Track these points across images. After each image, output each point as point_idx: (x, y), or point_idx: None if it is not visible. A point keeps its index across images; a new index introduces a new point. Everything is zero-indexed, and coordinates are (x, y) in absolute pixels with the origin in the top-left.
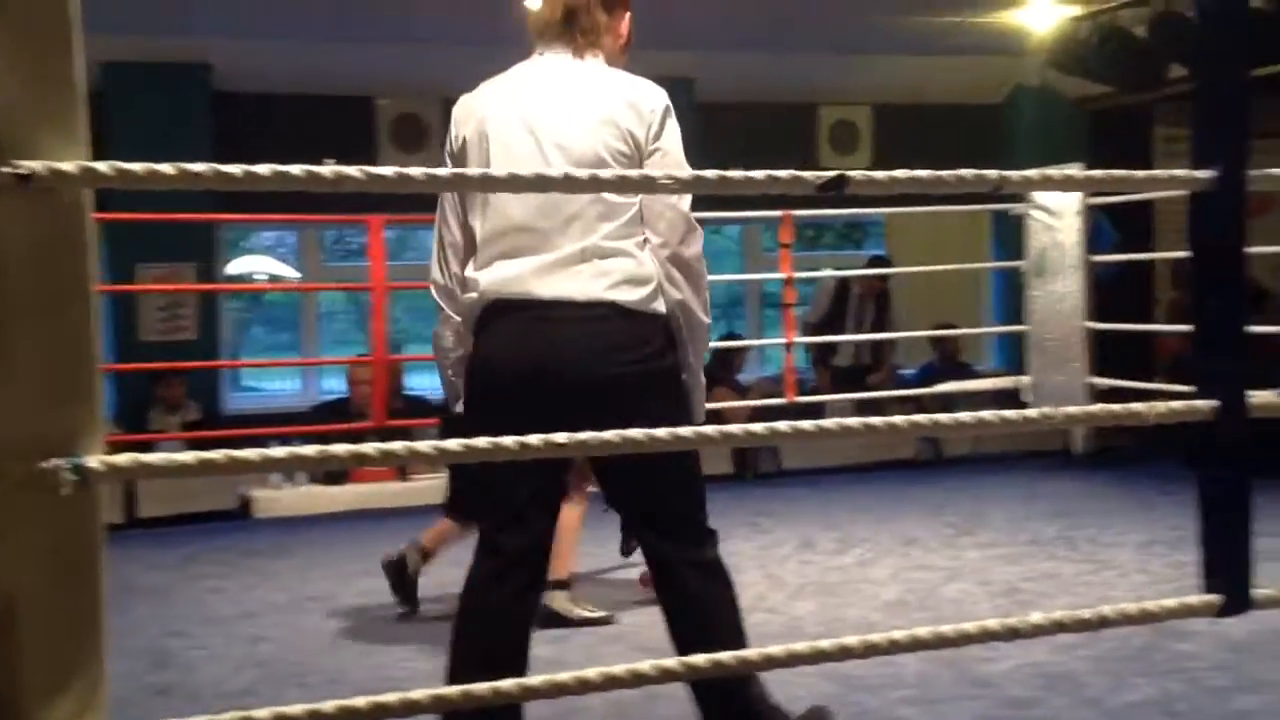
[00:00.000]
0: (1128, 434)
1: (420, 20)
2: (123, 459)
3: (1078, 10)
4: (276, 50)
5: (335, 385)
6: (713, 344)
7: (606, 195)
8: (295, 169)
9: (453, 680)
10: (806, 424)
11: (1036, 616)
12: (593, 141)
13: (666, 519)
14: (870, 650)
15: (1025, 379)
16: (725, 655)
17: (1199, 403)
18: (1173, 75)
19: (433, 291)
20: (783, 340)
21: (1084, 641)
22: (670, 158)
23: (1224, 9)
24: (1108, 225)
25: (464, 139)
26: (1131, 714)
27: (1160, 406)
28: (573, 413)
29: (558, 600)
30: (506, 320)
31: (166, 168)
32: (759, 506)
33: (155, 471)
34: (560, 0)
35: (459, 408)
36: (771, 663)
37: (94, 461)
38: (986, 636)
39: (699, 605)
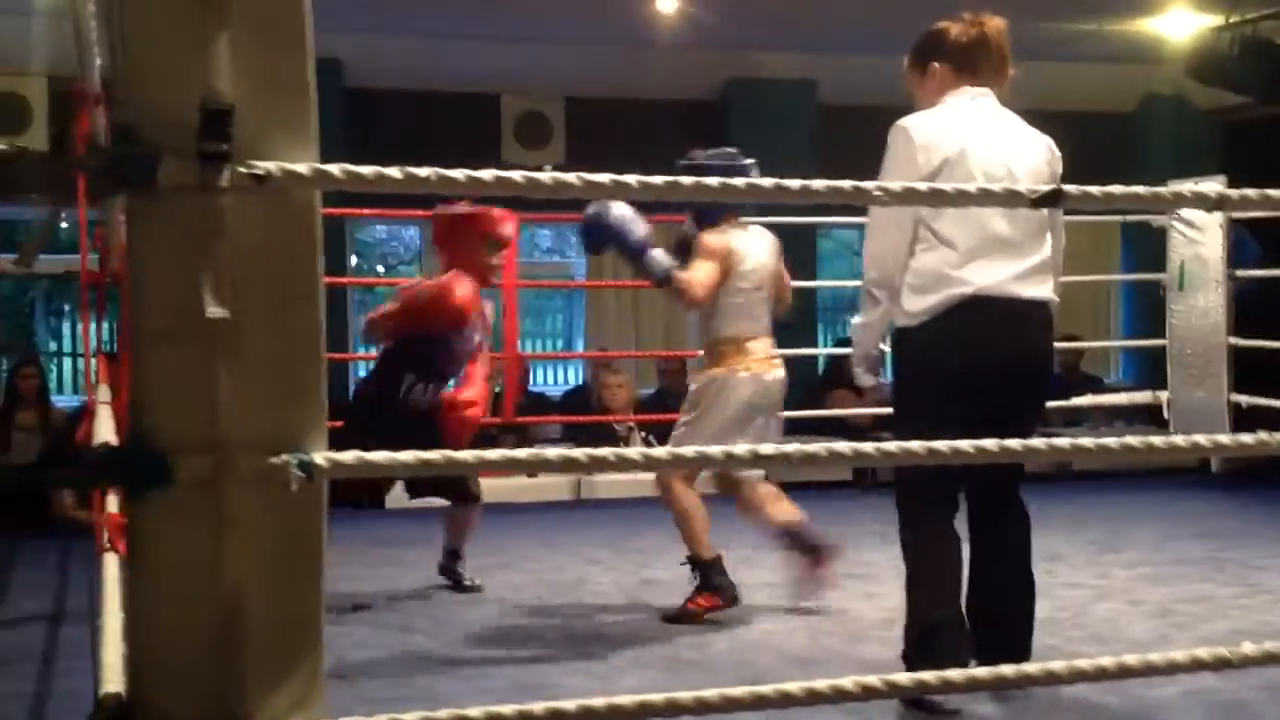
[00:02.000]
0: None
1: (545, 19)
2: (347, 456)
3: (1218, 20)
4: (404, 46)
5: None
6: (826, 350)
7: (1048, 214)
8: (516, 175)
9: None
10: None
11: (1248, 647)
12: (1044, 172)
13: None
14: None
15: (1164, 394)
16: (929, 676)
17: None
18: None
19: (872, 286)
20: None
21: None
22: None
23: None
24: (1251, 240)
25: (945, 159)
26: None
27: None
28: (1023, 394)
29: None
30: (985, 313)
31: (394, 171)
32: (884, 516)
33: (377, 469)
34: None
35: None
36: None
37: (319, 458)
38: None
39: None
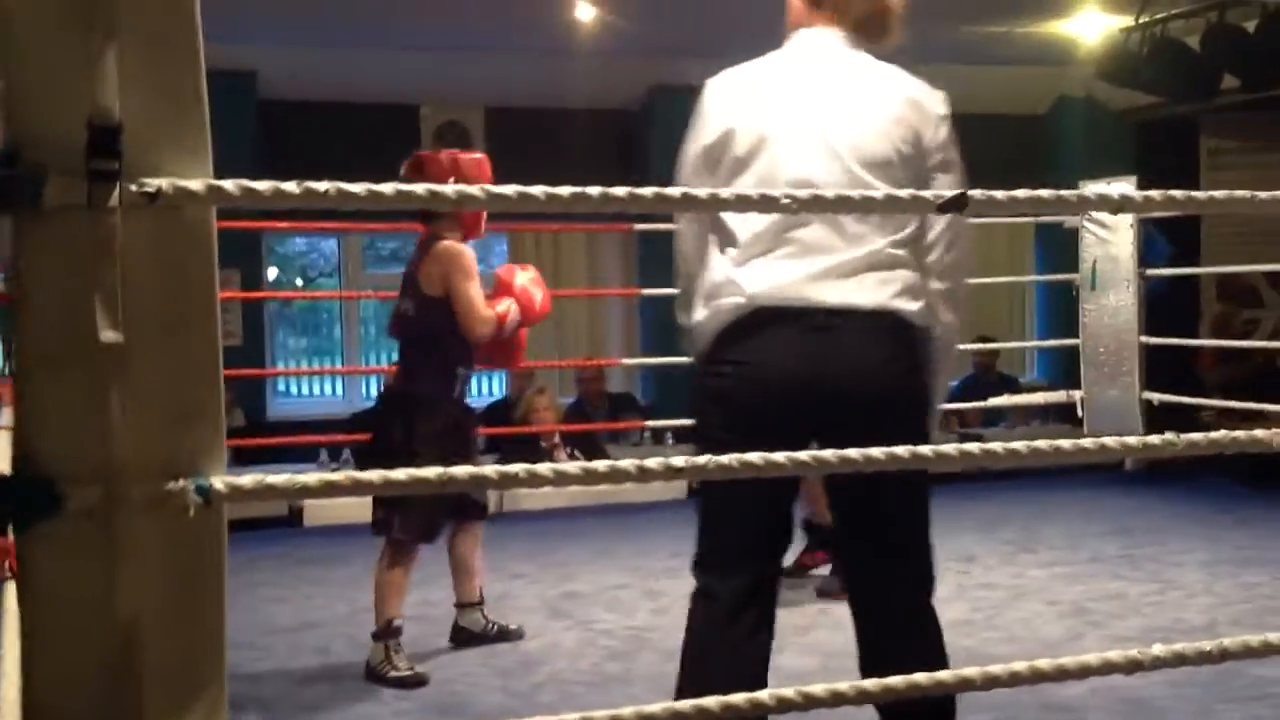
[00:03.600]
0: None
1: (464, 29)
2: (246, 480)
3: (1128, 21)
4: (320, 58)
5: (376, 392)
6: None
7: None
8: (419, 188)
9: None
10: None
11: (1159, 649)
12: (885, 145)
13: (896, 540)
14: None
15: (1078, 394)
16: (845, 686)
17: None
18: (1224, 87)
19: (682, 300)
20: None
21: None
22: (956, 166)
23: None
24: (1161, 239)
25: (730, 130)
26: None
27: None
28: (841, 427)
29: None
30: (778, 327)
31: (291, 186)
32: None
33: (279, 493)
34: None
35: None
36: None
37: (218, 482)
38: (1109, 669)
39: (908, 632)
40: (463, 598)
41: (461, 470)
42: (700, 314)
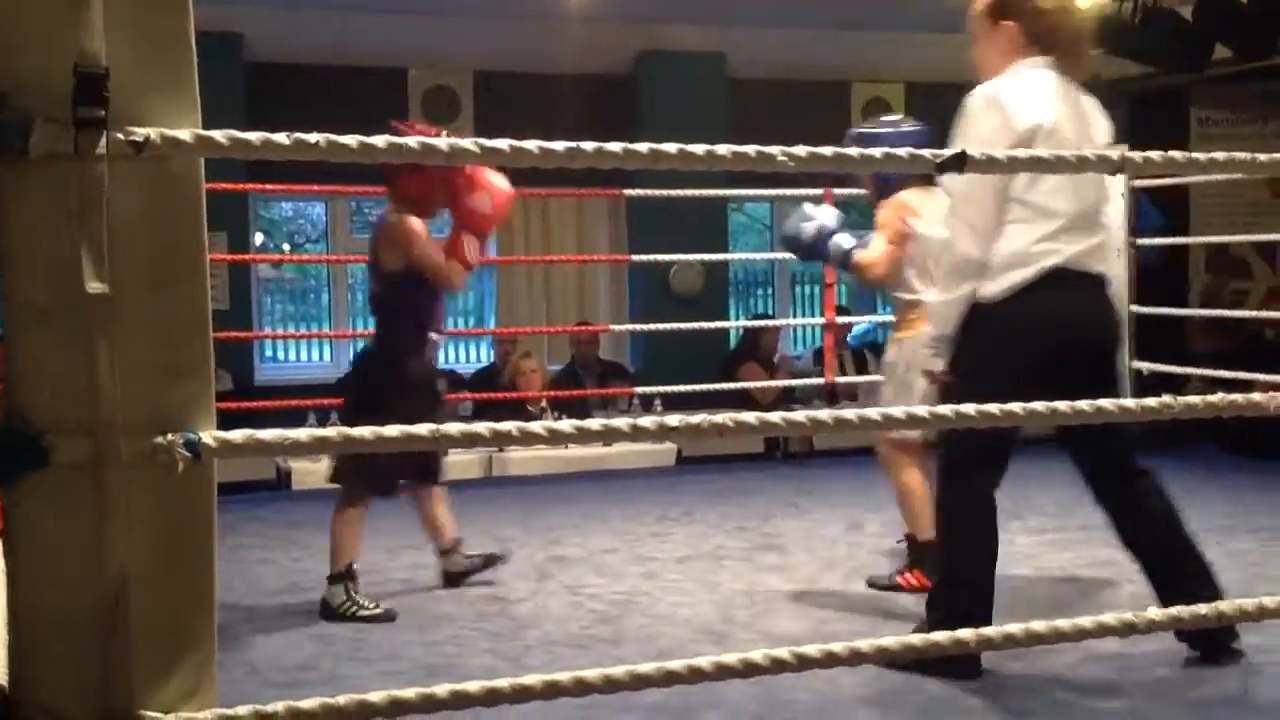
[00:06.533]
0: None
1: None
2: (236, 435)
3: None
4: (308, 20)
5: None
6: (744, 323)
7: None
8: (411, 141)
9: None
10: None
11: (1154, 611)
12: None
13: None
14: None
15: None
16: (838, 647)
17: None
18: (1215, 57)
19: (961, 262)
20: (821, 320)
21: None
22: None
23: None
24: (1152, 208)
25: (1037, 127)
26: (1216, 710)
27: None
28: (1102, 368)
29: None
30: (1074, 288)
31: (281, 137)
32: (797, 486)
33: (269, 448)
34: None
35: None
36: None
37: (207, 437)
38: (1118, 629)
39: (1162, 511)
40: (441, 546)
41: (454, 427)
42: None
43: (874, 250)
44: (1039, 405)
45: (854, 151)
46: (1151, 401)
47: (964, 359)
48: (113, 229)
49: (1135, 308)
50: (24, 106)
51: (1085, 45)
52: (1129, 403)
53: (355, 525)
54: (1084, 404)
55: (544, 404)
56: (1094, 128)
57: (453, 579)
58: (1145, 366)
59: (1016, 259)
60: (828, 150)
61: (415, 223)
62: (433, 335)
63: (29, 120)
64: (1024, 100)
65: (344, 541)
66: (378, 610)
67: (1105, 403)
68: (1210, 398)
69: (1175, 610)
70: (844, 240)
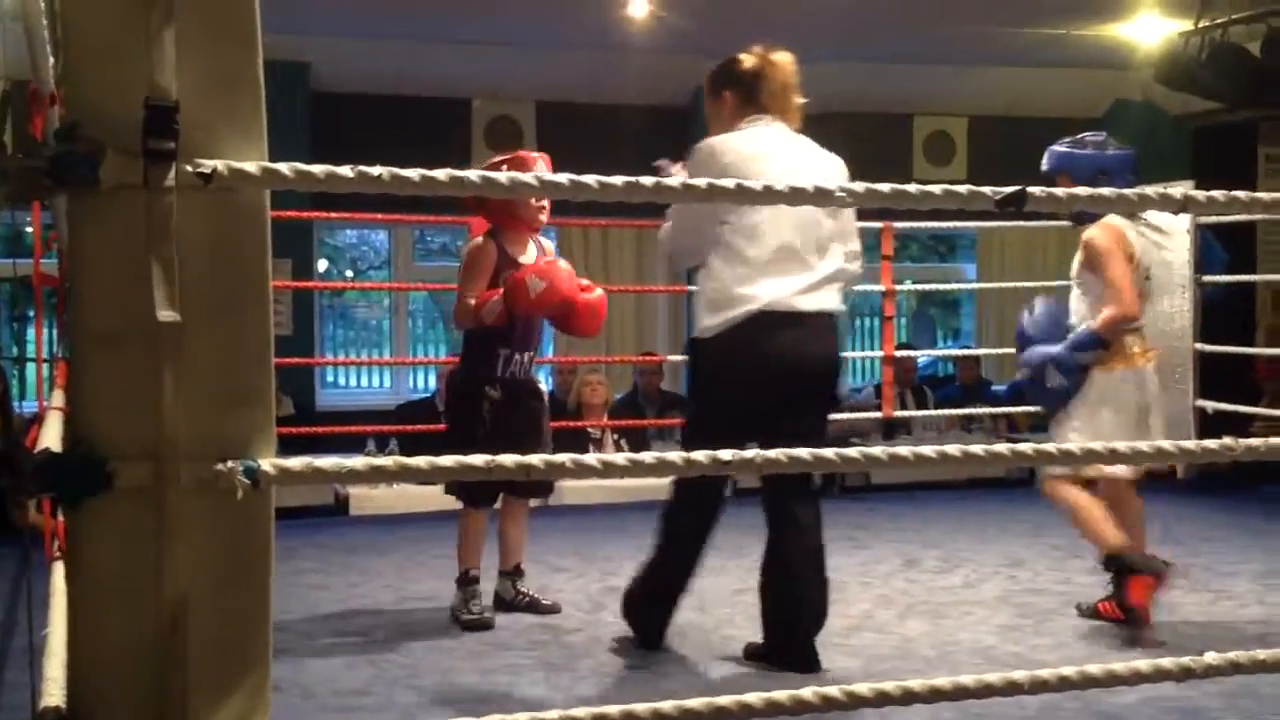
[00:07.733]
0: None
1: (516, 24)
2: (295, 463)
3: (1187, 25)
4: (374, 50)
5: (423, 384)
6: None
7: (842, 224)
8: (473, 174)
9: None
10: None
11: (1212, 656)
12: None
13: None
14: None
15: None
16: (890, 686)
17: None
18: None
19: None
20: (880, 354)
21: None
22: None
23: None
24: (1216, 245)
25: (750, 169)
26: None
27: None
28: (809, 395)
29: None
30: (773, 325)
31: (345, 170)
32: (854, 521)
33: (326, 476)
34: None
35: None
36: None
37: (266, 464)
38: (1161, 676)
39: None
40: (503, 567)
41: (507, 459)
42: (715, 318)
43: (1116, 293)
44: (1073, 446)
45: (913, 188)
46: (1212, 443)
47: (690, 392)
48: (181, 258)
49: (1200, 345)
50: (95, 137)
51: (792, 95)
52: (1190, 444)
53: (471, 533)
54: (1143, 445)
55: (605, 429)
56: (820, 167)
57: (501, 603)
58: (1210, 405)
59: (720, 302)
60: (885, 187)
61: (473, 251)
62: (504, 350)
63: (100, 151)
64: (733, 145)
65: (462, 549)
66: (473, 617)
67: (1166, 444)
68: (1274, 440)
69: (1234, 655)
70: (1064, 356)
